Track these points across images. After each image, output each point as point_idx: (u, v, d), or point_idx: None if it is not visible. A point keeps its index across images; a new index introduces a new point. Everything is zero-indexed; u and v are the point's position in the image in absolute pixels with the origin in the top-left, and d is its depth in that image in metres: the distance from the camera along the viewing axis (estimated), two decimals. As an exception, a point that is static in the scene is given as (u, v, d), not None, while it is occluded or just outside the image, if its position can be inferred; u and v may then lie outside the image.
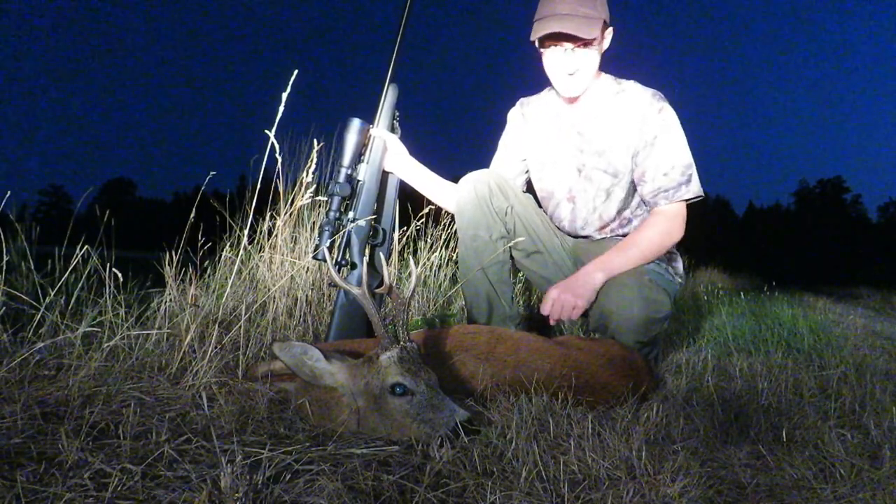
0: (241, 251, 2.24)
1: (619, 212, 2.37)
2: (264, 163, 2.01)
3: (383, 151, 2.20)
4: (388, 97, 2.22)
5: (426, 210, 3.15)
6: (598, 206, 2.37)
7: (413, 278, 1.60)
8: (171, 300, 1.95)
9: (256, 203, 2.14)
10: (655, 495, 1.16)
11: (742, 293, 5.80)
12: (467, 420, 1.37)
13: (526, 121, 2.50)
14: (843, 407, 1.82)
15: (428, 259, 3.27)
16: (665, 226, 2.24)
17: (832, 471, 1.32)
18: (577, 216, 2.42)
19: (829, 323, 4.35)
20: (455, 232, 2.65)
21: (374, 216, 2.14)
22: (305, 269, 2.45)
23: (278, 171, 2.24)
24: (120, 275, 1.80)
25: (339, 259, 2.07)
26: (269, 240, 2.43)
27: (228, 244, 2.42)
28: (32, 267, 1.99)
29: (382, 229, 2.19)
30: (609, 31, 2.22)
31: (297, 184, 2.43)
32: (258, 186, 2.07)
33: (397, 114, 2.27)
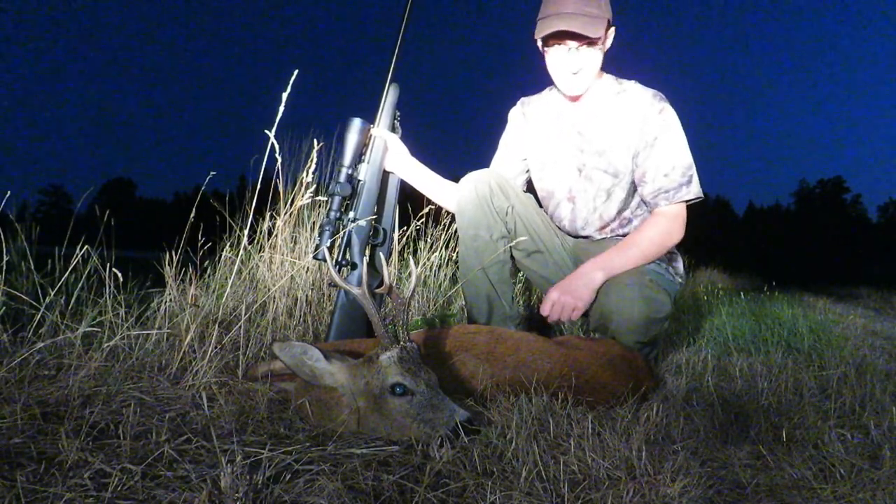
0: (241, 251, 2.24)
1: (620, 212, 2.37)
2: (264, 163, 2.01)
3: (384, 151, 2.20)
4: (389, 97, 2.22)
5: (426, 210, 3.15)
6: (599, 206, 2.37)
7: (413, 278, 1.60)
8: (171, 300, 1.95)
9: (256, 203, 2.14)
10: (655, 495, 1.16)
11: (742, 293, 5.80)
12: (467, 420, 1.37)
13: (527, 120, 2.50)
14: (843, 407, 1.82)
15: (428, 259, 3.27)
16: (666, 226, 2.24)
17: (832, 471, 1.32)
18: (578, 216, 2.42)
19: (829, 323, 4.34)
20: (455, 232, 2.65)
21: (374, 216, 2.14)
22: (305, 269, 2.45)
23: (278, 171, 2.24)
24: (120, 275, 1.80)
25: (339, 259, 2.07)
26: (269, 240, 2.43)
27: (228, 244, 2.42)
28: (32, 267, 1.99)
29: (383, 229, 2.18)
30: (611, 31, 2.22)
31: (297, 184, 2.43)
32: (258, 186, 2.07)
33: (398, 113, 2.27)
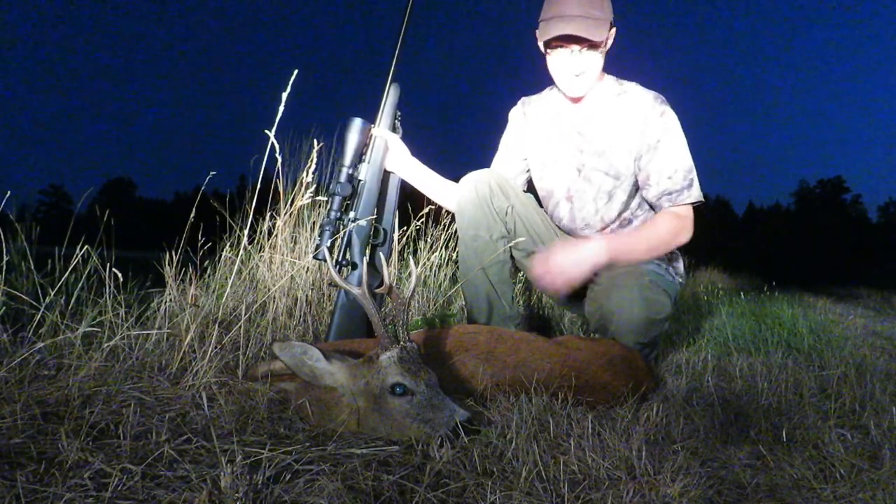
0: (241, 251, 2.24)
1: (620, 213, 2.37)
2: (264, 163, 2.01)
3: (384, 151, 2.20)
4: (390, 97, 2.22)
5: (426, 210, 3.15)
6: (601, 207, 2.37)
7: (413, 278, 1.61)
8: (171, 300, 1.95)
9: (256, 203, 2.14)
10: (655, 495, 1.16)
11: (742, 293, 5.80)
12: (467, 420, 1.37)
13: (527, 120, 2.50)
14: (843, 407, 1.82)
15: (428, 259, 3.27)
16: (676, 224, 2.23)
17: (832, 471, 1.32)
18: (576, 216, 2.42)
19: (829, 323, 4.34)
20: (455, 232, 2.65)
21: (374, 216, 2.14)
22: (305, 269, 2.45)
23: (278, 171, 2.24)
24: (120, 275, 1.80)
25: (339, 259, 2.07)
26: (269, 240, 2.42)
27: (228, 244, 2.41)
28: (32, 267, 1.99)
29: (383, 229, 2.18)
30: (613, 31, 2.22)
31: (297, 184, 2.43)
32: (258, 186, 2.07)
33: (399, 113, 2.27)
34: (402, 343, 1.45)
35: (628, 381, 1.81)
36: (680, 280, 2.41)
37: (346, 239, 2.08)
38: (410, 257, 1.92)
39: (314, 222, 2.68)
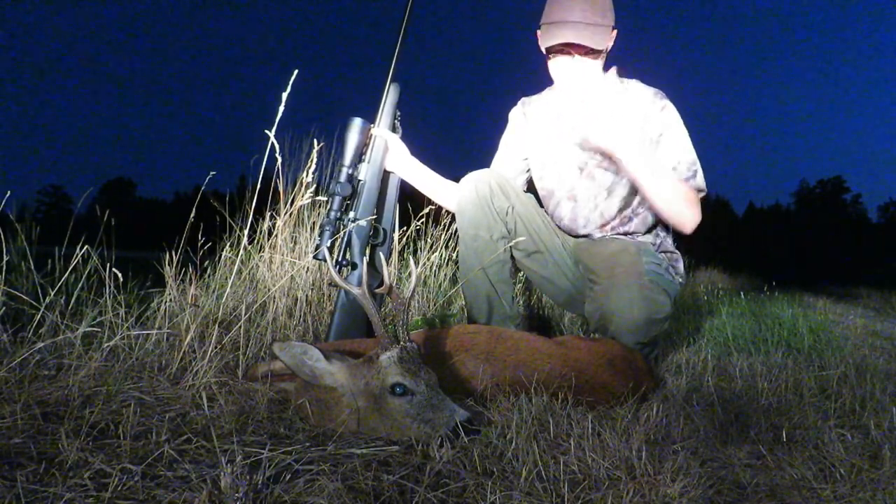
0: (241, 251, 2.24)
1: (621, 210, 2.37)
2: (264, 163, 2.01)
3: (384, 151, 2.20)
4: (390, 96, 2.22)
5: (426, 210, 3.15)
6: (600, 203, 2.37)
7: (413, 278, 1.60)
8: (171, 300, 1.95)
9: (256, 203, 2.14)
10: (655, 495, 1.16)
11: (742, 293, 5.80)
12: (467, 420, 1.37)
13: (527, 120, 2.50)
14: (843, 407, 1.82)
15: (428, 259, 3.27)
16: (686, 193, 2.19)
17: (832, 471, 1.32)
18: (579, 214, 2.42)
19: (829, 323, 4.34)
20: (455, 232, 2.65)
21: (374, 216, 2.14)
22: (305, 269, 2.45)
23: (278, 171, 2.24)
24: (120, 275, 1.80)
25: (339, 259, 2.07)
26: (269, 240, 2.43)
27: (228, 244, 2.41)
28: (32, 267, 1.99)
29: (383, 229, 2.18)
30: (614, 33, 2.23)
31: (297, 184, 2.43)
32: (258, 186, 2.07)
33: (398, 113, 2.27)
34: (402, 343, 1.45)
35: (628, 381, 1.81)
36: (680, 280, 2.41)
37: (345, 239, 2.07)
38: (410, 257, 1.93)
39: (314, 222, 2.68)
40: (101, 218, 2.06)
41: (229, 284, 2.11)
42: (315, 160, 2.34)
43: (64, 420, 1.31)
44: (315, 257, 2.06)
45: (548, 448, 1.33)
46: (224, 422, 1.39)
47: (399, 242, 2.94)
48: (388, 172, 2.24)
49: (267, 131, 1.95)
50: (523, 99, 2.56)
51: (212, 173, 2.18)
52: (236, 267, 2.11)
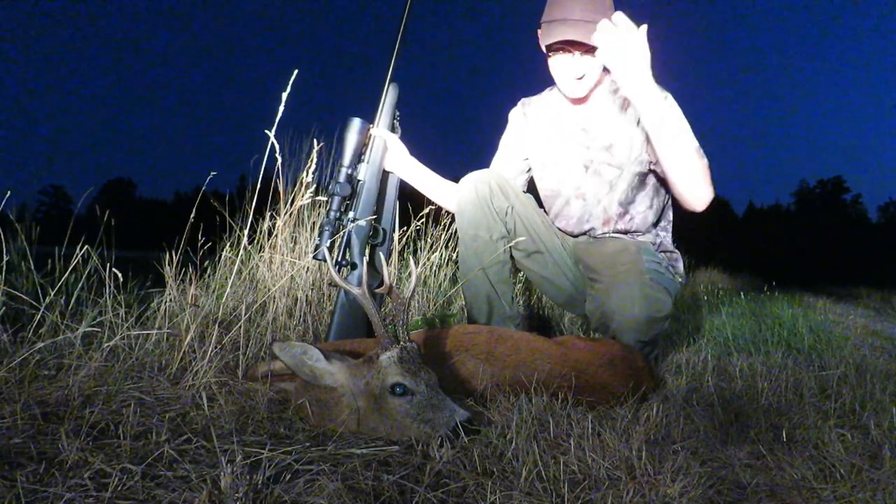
0: (241, 251, 2.24)
1: (622, 205, 2.37)
2: (264, 163, 2.01)
3: (384, 151, 2.20)
4: (389, 97, 2.22)
5: (426, 210, 3.15)
6: (603, 198, 2.37)
7: (413, 278, 1.60)
8: (171, 300, 1.95)
9: (256, 203, 2.14)
10: (655, 495, 1.16)
11: (742, 293, 5.80)
12: (467, 420, 1.37)
13: (527, 121, 2.50)
14: (843, 407, 1.82)
15: (428, 259, 3.27)
16: (701, 165, 2.09)
17: (832, 471, 1.32)
18: (587, 212, 2.42)
19: (829, 323, 4.35)
20: (455, 232, 2.65)
21: (374, 216, 2.14)
22: (305, 269, 2.45)
23: (278, 171, 2.24)
24: (120, 275, 1.80)
25: (339, 259, 2.07)
26: (269, 240, 2.43)
27: (228, 244, 2.41)
28: (32, 267, 1.99)
29: (383, 229, 2.19)
30: None
31: (297, 184, 2.43)
32: (258, 186, 2.07)
33: (398, 113, 2.27)
34: (402, 343, 1.45)
35: (628, 381, 1.81)
36: (680, 279, 2.41)
37: (345, 239, 2.07)
38: (410, 257, 1.92)
39: (314, 222, 2.68)
40: (101, 218, 2.06)
41: (229, 284, 2.11)
42: (315, 160, 2.35)
43: (64, 420, 1.31)
44: (315, 257, 2.06)
45: (548, 448, 1.33)
46: (224, 422, 1.39)
47: (399, 242, 2.94)
48: (388, 172, 2.25)
49: (267, 131, 1.95)
50: (523, 99, 2.56)
51: (212, 173, 2.18)
52: (236, 267, 2.11)
